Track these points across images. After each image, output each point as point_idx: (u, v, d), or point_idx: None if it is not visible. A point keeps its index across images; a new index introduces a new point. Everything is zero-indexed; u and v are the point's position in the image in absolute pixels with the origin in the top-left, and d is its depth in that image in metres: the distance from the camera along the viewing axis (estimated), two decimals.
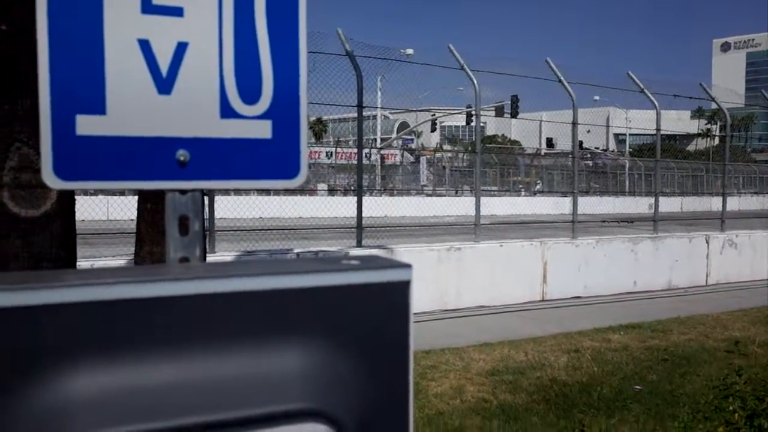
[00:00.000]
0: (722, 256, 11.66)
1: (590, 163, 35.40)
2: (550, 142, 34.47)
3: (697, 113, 62.56)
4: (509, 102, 28.82)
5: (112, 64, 0.86)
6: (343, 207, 10.24)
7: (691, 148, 60.78)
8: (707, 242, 11.50)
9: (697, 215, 16.80)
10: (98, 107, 0.86)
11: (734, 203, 19.80)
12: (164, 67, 0.89)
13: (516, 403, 4.75)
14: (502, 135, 66.34)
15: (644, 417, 4.48)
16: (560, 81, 10.52)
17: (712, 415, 3.96)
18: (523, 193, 27.22)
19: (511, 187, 30.59)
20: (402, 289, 0.75)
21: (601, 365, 5.77)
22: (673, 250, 11.00)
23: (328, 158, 30.13)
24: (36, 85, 0.83)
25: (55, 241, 1.97)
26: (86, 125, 0.85)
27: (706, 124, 64.25)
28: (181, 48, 0.90)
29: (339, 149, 29.98)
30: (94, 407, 0.59)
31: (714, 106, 13.91)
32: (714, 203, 20.37)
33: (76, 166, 0.86)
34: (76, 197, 2.22)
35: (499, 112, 30.48)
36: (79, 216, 2.25)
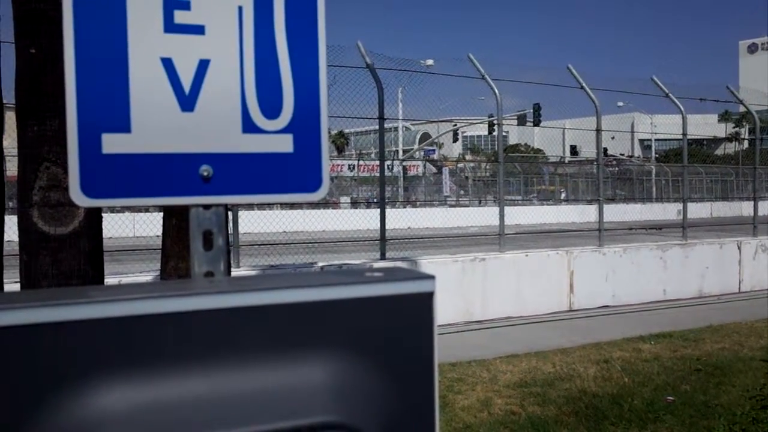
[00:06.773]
0: (756, 262, 11.37)
1: (615, 170, 34.91)
2: (573, 150, 34.09)
3: (724, 117, 61.33)
4: (531, 110, 28.66)
5: (137, 83, 0.88)
6: (366, 219, 10.24)
7: (719, 152, 59.55)
8: (739, 248, 11.23)
9: (727, 221, 16.42)
10: (123, 126, 0.88)
11: (766, 207, 19.31)
12: (187, 84, 0.90)
13: (545, 416, 4.67)
14: (525, 144, 65.96)
15: (678, 429, 4.36)
16: (582, 88, 10.43)
17: (749, 426, 3.84)
18: (544, 202, 26.94)
19: (535, 196, 30.29)
20: (426, 301, 0.74)
21: (632, 376, 5.64)
22: (704, 257, 10.76)
23: (351, 171, 30.30)
24: (63, 106, 0.85)
25: (83, 258, 2.01)
26: (112, 144, 0.87)
27: (734, 127, 62.90)
28: (203, 65, 0.91)
29: (361, 162, 30.11)
30: (121, 422, 0.60)
31: (742, 108, 13.64)
32: (745, 208, 19.90)
33: (102, 184, 0.87)
34: (102, 215, 2.26)
35: (522, 120, 30.29)
36: (106, 233, 2.29)
